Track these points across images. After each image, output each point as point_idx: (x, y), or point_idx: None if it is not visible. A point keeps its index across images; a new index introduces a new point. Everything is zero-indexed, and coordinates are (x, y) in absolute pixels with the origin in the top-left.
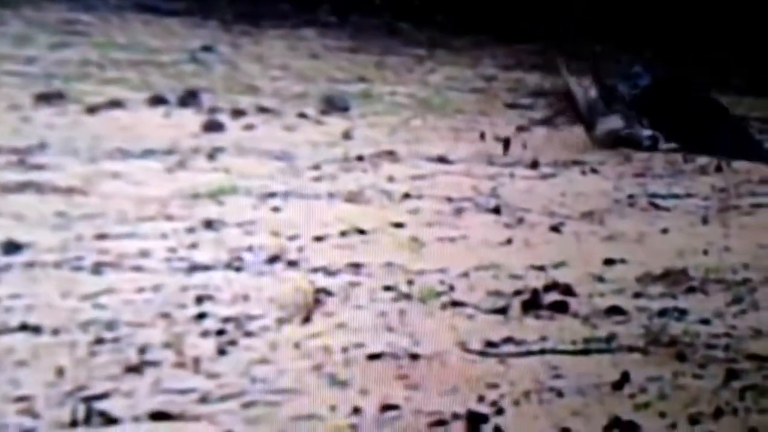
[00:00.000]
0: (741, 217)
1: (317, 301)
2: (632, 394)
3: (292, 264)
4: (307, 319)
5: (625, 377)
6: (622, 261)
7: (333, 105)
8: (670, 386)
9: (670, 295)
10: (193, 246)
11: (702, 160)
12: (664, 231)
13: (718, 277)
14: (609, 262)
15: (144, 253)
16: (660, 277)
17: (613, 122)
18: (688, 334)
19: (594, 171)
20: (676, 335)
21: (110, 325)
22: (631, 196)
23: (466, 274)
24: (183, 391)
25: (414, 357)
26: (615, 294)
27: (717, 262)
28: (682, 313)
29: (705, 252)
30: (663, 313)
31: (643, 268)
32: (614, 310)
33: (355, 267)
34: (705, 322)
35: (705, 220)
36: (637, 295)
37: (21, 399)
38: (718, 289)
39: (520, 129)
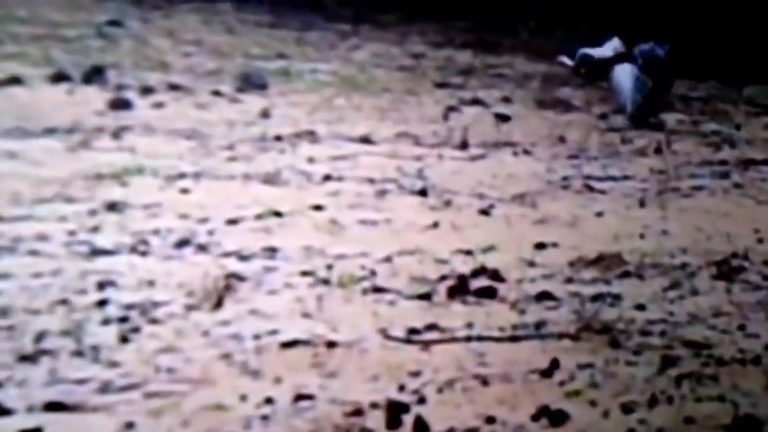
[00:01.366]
0: (680, 200)
1: (228, 287)
2: (562, 381)
3: (202, 248)
4: (217, 306)
5: (554, 364)
6: (554, 245)
7: (250, 82)
8: (601, 374)
9: (603, 280)
10: (95, 229)
11: (640, 141)
12: (599, 214)
13: (654, 261)
14: (540, 246)
15: (41, 237)
16: (593, 261)
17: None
18: (622, 320)
19: (526, 152)
20: (609, 321)
21: (4, 312)
22: (564, 178)
23: (388, 259)
24: (81, 381)
25: (331, 344)
26: (546, 279)
27: (654, 246)
28: (616, 298)
29: (642, 236)
30: (596, 298)
31: (576, 252)
32: (544, 296)
33: (271, 251)
34: (640, 307)
35: (642, 203)
36: (569, 280)
37: None
38: (655, 274)
39: (451, 109)
